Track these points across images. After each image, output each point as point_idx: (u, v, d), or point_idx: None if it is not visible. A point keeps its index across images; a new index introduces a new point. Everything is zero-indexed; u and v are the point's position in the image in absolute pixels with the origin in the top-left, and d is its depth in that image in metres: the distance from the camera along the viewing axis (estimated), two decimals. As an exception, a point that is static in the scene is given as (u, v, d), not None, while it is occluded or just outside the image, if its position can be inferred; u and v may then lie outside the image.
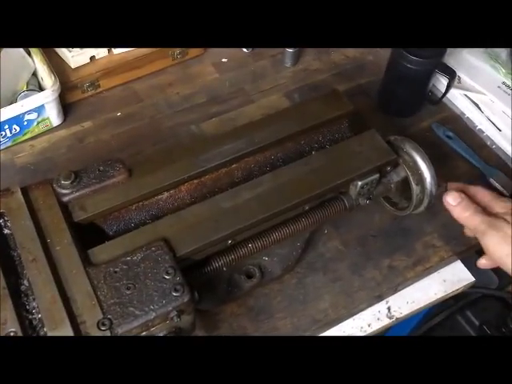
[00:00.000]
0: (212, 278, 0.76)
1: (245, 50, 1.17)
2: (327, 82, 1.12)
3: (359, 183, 0.77)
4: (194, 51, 1.14)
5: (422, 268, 0.87)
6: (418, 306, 0.86)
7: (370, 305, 0.85)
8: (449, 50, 0.97)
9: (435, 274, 0.89)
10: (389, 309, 0.86)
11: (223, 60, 1.15)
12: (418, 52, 0.94)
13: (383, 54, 1.15)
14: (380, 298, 0.85)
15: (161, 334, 0.63)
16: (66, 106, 1.04)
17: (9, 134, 0.96)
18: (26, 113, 0.95)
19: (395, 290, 0.86)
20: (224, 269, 0.76)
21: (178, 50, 1.10)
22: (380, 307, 0.86)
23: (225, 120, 1.05)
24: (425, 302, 0.87)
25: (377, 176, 0.78)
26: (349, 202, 0.80)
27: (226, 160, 0.77)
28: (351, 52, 1.18)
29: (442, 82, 1.06)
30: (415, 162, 0.79)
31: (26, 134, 0.99)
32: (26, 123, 0.97)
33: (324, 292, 0.84)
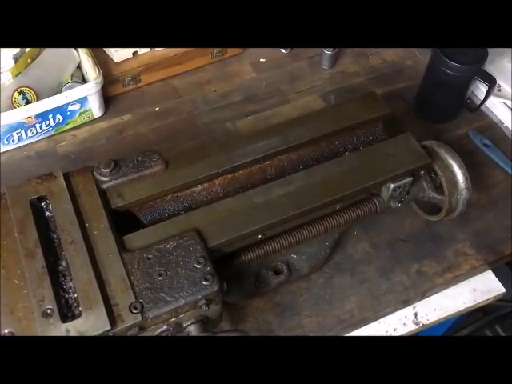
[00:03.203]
0: (240, 271, 0.77)
1: (283, 50, 1.18)
2: (364, 85, 1.12)
3: (392, 185, 0.77)
4: (233, 50, 1.16)
5: (452, 275, 0.86)
6: (446, 314, 0.86)
7: (397, 309, 0.85)
8: (490, 57, 0.96)
9: (465, 282, 0.88)
10: (415, 315, 0.85)
11: (261, 60, 1.17)
12: (459, 58, 0.94)
13: (422, 58, 1.14)
14: (407, 302, 0.85)
15: (189, 322, 0.65)
16: (107, 99, 1.07)
17: (52, 123, 1.00)
18: (69, 103, 0.99)
19: (423, 295, 0.85)
20: (252, 263, 0.77)
21: (217, 49, 1.12)
22: (407, 312, 0.85)
23: (260, 119, 1.06)
24: (453, 310, 0.86)
25: (410, 179, 0.78)
26: (380, 204, 0.80)
27: (259, 156, 0.78)
28: (389, 56, 1.18)
29: (481, 89, 1.05)
30: (450, 168, 0.79)
31: (68, 123, 1.03)
32: (69, 113, 1.01)
33: (350, 293, 0.84)
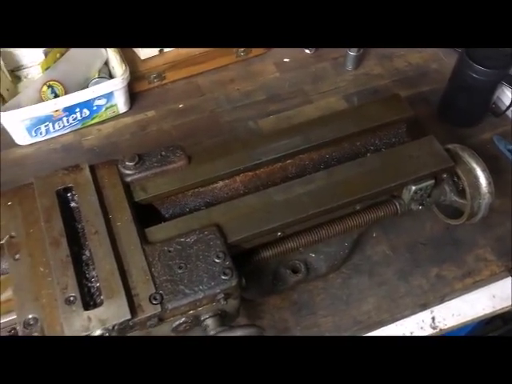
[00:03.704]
0: (258, 268, 0.78)
1: (307, 51, 1.19)
2: (388, 87, 1.11)
3: (413, 188, 0.77)
4: (257, 50, 1.16)
5: (472, 280, 0.85)
6: (464, 320, 0.85)
7: (414, 312, 0.84)
8: (517, 62, 0.95)
9: (485, 288, 0.87)
10: (433, 319, 0.84)
11: (285, 60, 1.17)
12: (485, 62, 0.93)
13: (447, 62, 1.13)
14: (425, 306, 0.84)
15: (207, 316, 0.66)
16: (133, 95, 1.09)
17: (79, 117, 1.03)
18: (96, 98, 1.01)
19: (442, 300, 0.85)
20: (271, 261, 0.78)
21: (242, 48, 1.13)
22: (424, 316, 0.85)
23: (282, 118, 1.06)
24: (471, 316, 0.85)
25: (432, 182, 0.78)
26: (401, 206, 0.80)
27: (281, 155, 0.78)
28: (414, 59, 1.17)
29: (506, 94, 1.03)
30: (473, 172, 0.78)
31: (94, 118, 1.05)
32: (95, 108, 1.03)
33: (368, 294, 0.84)
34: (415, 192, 0.78)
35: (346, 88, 1.12)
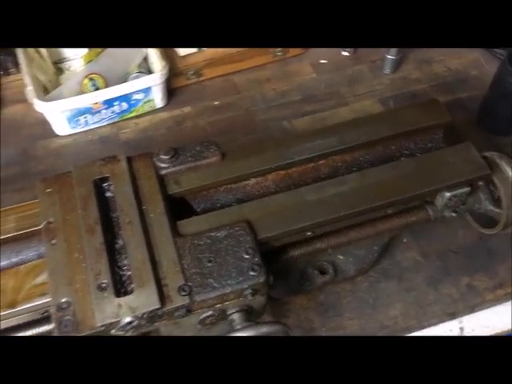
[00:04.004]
0: (286, 267, 0.78)
1: (344, 53, 1.18)
2: (426, 92, 1.10)
3: (447, 194, 0.76)
4: (294, 50, 1.17)
5: (503, 292, 0.84)
6: (493, 332, 0.83)
7: (442, 321, 0.83)
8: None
9: (516, 300, 0.85)
10: (461, 329, 0.83)
11: (322, 61, 1.17)
12: (528, 70, 0.91)
13: (488, 69, 1.11)
14: (453, 316, 0.83)
15: (233, 310, 0.67)
16: (170, 91, 1.11)
17: (117, 111, 1.05)
18: (134, 92, 1.03)
19: (471, 310, 0.83)
20: (299, 260, 0.78)
21: (279, 48, 1.14)
22: (452, 325, 0.83)
23: (317, 119, 1.06)
24: (501, 328, 0.83)
25: (467, 189, 0.76)
26: (434, 213, 0.79)
27: (314, 155, 0.78)
28: (454, 64, 1.15)
29: (549, 103, 1.00)
30: (510, 181, 0.76)
31: (132, 112, 1.07)
32: (133, 102, 1.05)
33: (396, 300, 0.83)
34: (449, 199, 0.76)
35: (382, 91, 1.11)
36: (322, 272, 0.80)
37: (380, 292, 0.84)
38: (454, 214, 0.80)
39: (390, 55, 1.11)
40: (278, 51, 1.15)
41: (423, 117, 0.82)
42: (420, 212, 0.78)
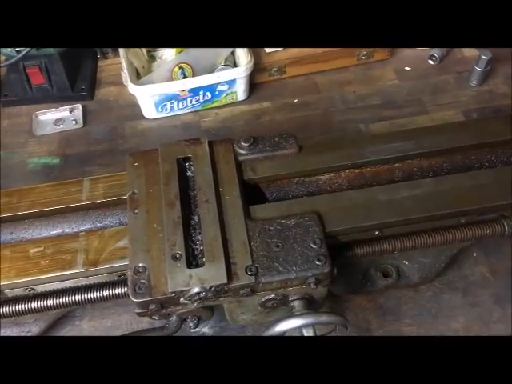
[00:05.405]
0: (350, 265, 0.79)
1: (430, 61, 1.17)
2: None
3: (526, 210, 0.73)
4: (379, 55, 1.17)
5: None
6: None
7: (506, 341, 0.80)
8: None
9: None
10: (526, 352, 0.80)
11: (406, 68, 1.17)
12: None
13: None
14: (519, 337, 0.80)
15: (295, 297, 0.69)
16: (252, 85, 1.15)
17: (201, 99, 1.10)
18: (219, 83, 1.08)
19: (539, 334, 0.80)
20: (364, 259, 0.78)
21: (364, 51, 1.15)
22: (516, 347, 0.80)
23: (394, 125, 1.06)
24: None
25: (548, 207, 0.74)
26: (509, 228, 0.76)
27: (390, 157, 0.79)
28: (546, 82, 1.11)
29: None
30: None
31: (214, 102, 1.12)
32: (217, 93, 1.10)
33: (459, 313, 0.82)
34: (528, 215, 0.74)
35: (466, 103, 1.09)
36: (385, 275, 0.80)
37: (443, 303, 0.83)
38: (531, 232, 0.77)
39: (479, 67, 1.09)
40: (363, 55, 1.15)
41: (508, 129, 0.80)
42: (495, 225, 0.76)
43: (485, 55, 1.07)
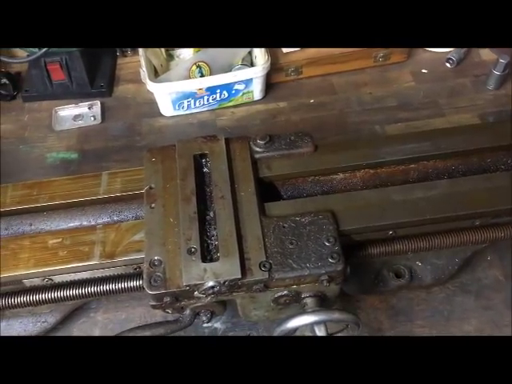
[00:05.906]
0: (363, 265, 0.79)
1: (448, 64, 1.17)
2: (529, 111, 1.06)
3: (542, 214, 0.73)
4: (396, 57, 1.17)
5: None
6: None
7: (519, 345, 0.80)
8: None
9: None
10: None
11: (423, 71, 1.17)
12: None
13: None
14: (532, 342, 0.79)
15: (307, 294, 0.69)
16: (269, 85, 1.16)
17: (218, 98, 1.11)
18: (236, 83, 1.09)
19: (553, 339, 0.79)
20: (377, 260, 0.79)
21: (381, 53, 1.15)
22: (529, 352, 0.80)
23: (410, 127, 1.06)
24: None
25: None
26: (524, 231, 0.76)
27: (405, 158, 0.79)
28: None
29: None
30: None
31: (231, 101, 1.13)
32: (234, 92, 1.11)
33: (471, 316, 0.81)
34: (544, 219, 0.74)
35: (483, 107, 1.09)
36: (398, 275, 0.80)
37: (455, 305, 0.83)
38: (546, 236, 0.76)
39: (497, 71, 1.08)
40: (380, 56, 1.16)
41: (525, 133, 0.80)
42: (509, 228, 0.76)
43: (503, 59, 1.07)
